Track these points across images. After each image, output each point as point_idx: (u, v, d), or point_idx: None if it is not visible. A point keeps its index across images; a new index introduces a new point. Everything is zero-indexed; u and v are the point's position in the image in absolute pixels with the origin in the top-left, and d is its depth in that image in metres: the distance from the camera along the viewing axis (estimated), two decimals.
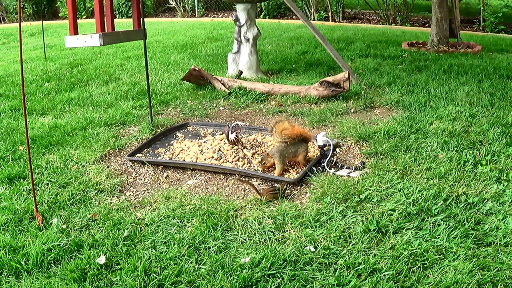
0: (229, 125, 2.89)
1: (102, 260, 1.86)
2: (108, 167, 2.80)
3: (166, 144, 3.10)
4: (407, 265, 1.81)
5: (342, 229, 2.05)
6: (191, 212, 2.22)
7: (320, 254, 1.89)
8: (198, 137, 3.19)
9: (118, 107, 3.85)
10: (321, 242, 1.97)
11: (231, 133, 2.85)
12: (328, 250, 1.91)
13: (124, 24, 8.80)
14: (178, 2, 11.02)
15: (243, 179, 2.54)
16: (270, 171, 2.66)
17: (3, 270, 1.84)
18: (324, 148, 2.77)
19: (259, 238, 2.02)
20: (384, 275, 1.76)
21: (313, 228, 2.07)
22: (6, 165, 2.78)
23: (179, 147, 3.01)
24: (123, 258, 1.89)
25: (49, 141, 3.12)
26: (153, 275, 1.77)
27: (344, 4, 10.11)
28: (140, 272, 1.78)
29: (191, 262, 1.85)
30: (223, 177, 2.64)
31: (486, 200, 2.25)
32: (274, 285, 1.73)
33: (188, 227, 2.11)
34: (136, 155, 2.89)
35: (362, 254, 1.88)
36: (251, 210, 2.25)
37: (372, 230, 2.03)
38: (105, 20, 2.92)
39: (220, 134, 3.17)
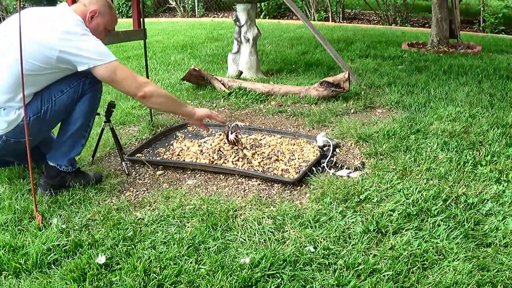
0: (229, 125, 2.89)
1: (101, 260, 1.86)
2: (108, 167, 2.80)
3: (166, 144, 3.10)
4: (407, 266, 1.81)
5: (342, 229, 2.05)
6: (190, 212, 2.22)
7: (320, 254, 1.89)
8: (198, 137, 3.19)
9: (118, 107, 3.85)
10: (320, 242, 1.97)
11: (231, 134, 2.85)
12: (327, 251, 1.91)
13: (124, 24, 8.80)
14: (178, 2, 11.03)
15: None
16: (267, 168, 2.66)
17: (3, 270, 1.84)
18: (324, 149, 2.77)
19: (259, 238, 2.02)
20: (384, 276, 1.76)
21: (312, 228, 2.07)
22: None
23: (179, 147, 3.01)
24: (123, 258, 1.89)
25: None
26: (152, 275, 1.77)
27: (344, 4, 10.11)
28: (139, 272, 1.78)
29: (191, 262, 1.85)
30: (223, 177, 2.65)
31: (485, 200, 2.25)
32: (273, 285, 1.73)
33: (188, 227, 2.12)
34: (136, 155, 2.89)
35: (362, 255, 1.88)
36: (251, 210, 2.25)
37: (371, 230, 2.03)
38: None
39: (220, 135, 3.17)
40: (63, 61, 2.18)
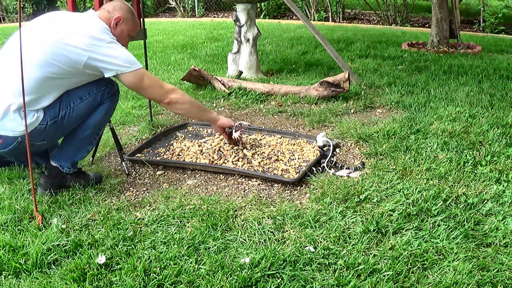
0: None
1: (101, 260, 1.86)
2: (108, 167, 2.80)
3: (166, 144, 3.10)
4: (407, 266, 1.81)
5: (342, 229, 2.05)
6: (191, 212, 2.22)
7: (320, 254, 1.89)
8: (198, 137, 3.19)
9: (118, 107, 3.84)
10: (320, 242, 1.97)
11: (235, 132, 2.84)
12: (327, 251, 1.91)
13: None
14: (178, 2, 11.02)
15: None
16: (267, 168, 2.66)
17: (3, 270, 1.84)
18: (324, 149, 2.77)
19: (259, 238, 2.02)
20: (384, 276, 1.76)
21: (312, 228, 2.07)
22: None
23: (179, 147, 3.01)
24: (123, 258, 1.89)
25: None
26: (152, 275, 1.77)
27: (344, 4, 10.10)
28: (139, 272, 1.78)
29: (191, 262, 1.85)
30: (223, 177, 2.65)
31: (485, 200, 2.25)
32: (273, 285, 1.73)
33: (188, 227, 2.12)
34: (136, 155, 2.89)
35: (362, 255, 1.88)
36: (250, 210, 2.25)
37: (371, 230, 2.03)
38: None
39: (220, 134, 3.16)
40: (90, 67, 2.20)
